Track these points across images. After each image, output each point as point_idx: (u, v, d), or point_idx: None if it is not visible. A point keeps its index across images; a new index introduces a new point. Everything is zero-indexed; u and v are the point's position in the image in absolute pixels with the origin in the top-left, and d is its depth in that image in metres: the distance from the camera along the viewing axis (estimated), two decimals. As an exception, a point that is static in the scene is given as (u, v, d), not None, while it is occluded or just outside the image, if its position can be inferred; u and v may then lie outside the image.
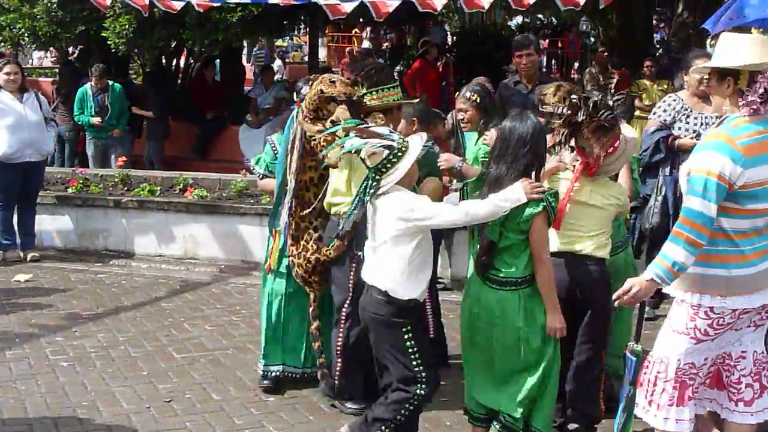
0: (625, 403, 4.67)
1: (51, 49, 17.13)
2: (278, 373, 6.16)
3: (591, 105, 4.94)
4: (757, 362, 4.69)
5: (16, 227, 9.78)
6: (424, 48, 15.98)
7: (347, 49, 24.35)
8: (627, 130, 5.39)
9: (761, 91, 4.35)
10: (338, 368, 5.75)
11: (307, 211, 5.77)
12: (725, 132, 4.42)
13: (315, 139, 5.58)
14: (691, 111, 7.19)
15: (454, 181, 6.65)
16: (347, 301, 5.62)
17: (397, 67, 17.88)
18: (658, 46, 18.35)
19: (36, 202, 9.92)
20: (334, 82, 5.59)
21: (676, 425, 4.59)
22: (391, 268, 4.69)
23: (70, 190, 10.44)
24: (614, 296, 4.59)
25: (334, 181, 5.68)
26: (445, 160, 6.05)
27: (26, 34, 14.61)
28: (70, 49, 17.01)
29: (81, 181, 10.58)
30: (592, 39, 24.41)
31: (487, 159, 6.04)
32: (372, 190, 4.70)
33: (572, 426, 5.28)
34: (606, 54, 16.36)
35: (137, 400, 6.08)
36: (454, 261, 8.49)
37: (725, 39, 4.59)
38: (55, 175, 11.07)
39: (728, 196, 4.34)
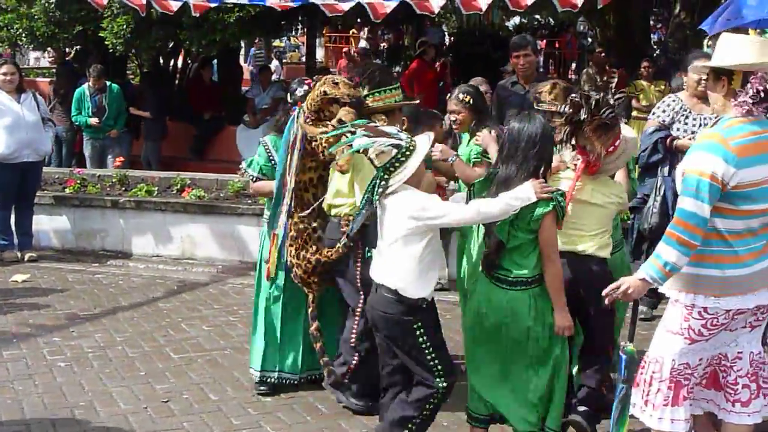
0: (618, 401, 4.70)
1: (48, 49, 17.06)
2: (274, 380, 6.16)
3: (593, 103, 4.96)
4: (754, 363, 4.69)
5: (13, 227, 9.78)
6: (421, 48, 15.96)
7: (344, 50, 24.34)
8: (626, 130, 5.41)
9: (752, 92, 4.36)
10: (353, 364, 5.74)
11: (306, 212, 5.76)
12: (718, 132, 4.43)
13: (316, 140, 5.58)
14: (690, 112, 7.20)
15: (452, 182, 6.66)
16: (361, 300, 5.62)
17: (395, 68, 17.88)
18: (655, 46, 18.34)
19: (33, 203, 9.92)
20: (337, 83, 5.58)
21: (672, 425, 4.60)
22: (401, 266, 4.70)
23: (67, 191, 10.44)
24: (604, 292, 4.60)
25: (336, 182, 5.68)
26: (440, 151, 6.05)
27: (24, 35, 14.61)
28: (68, 50, 16.99)
29: (78, 182, 10.58)
30: (590, 39, 24.38)
31: (479, 160, 6.06)
32: (381, 190, 4.70)
33: (576, 417, 5.29)
34: (603, 54, 16.34)
35: (134, 400, 6.08)
36: (451, 261, 8.49)
37: (723, 39, 4.60)
38: (52, 175, 11.07)
39: (722, 197, 4.34)
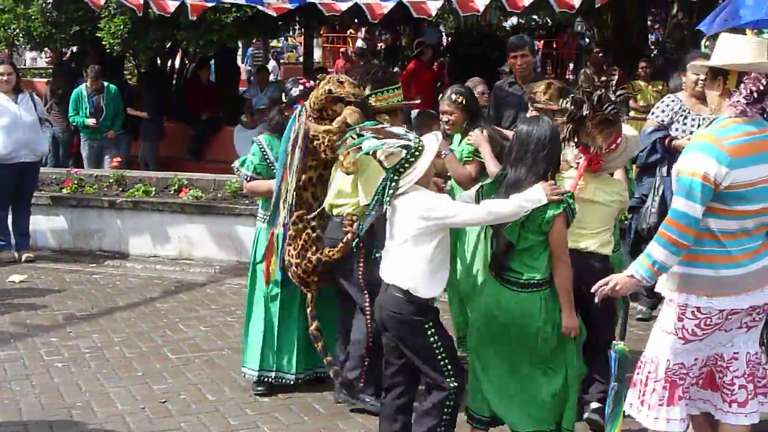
0: (610, 399, 4.73)
1: (45, 49, 17.05)
2: (272, 379, 6.15)
3: (595, 99, 4.98)
4: (751, 363, 4.69)
5: (10, 228, 9.78)
6: (419, 49, 15.96)
7: (341, 50, 24.34)
8: (627, 129, 5.43)
9: (746, 92, 4.36)
10: (365, 366, 5.74)
11: (311, 215, 5.75)
12: (712, 133, 4.44)
13: (318, 139, 5.57)
14: (689, 112, 7.20)
15: (448, 183, 6.65)
16: (367, 300, 5.63)
17: (392, 68, 17.83)
18: (652, 47, 18.34)
19: (31, 203, 9.92)
20: (342, 82, 5.57)
21: (667, 425, 4.60)
22: (412, 267, 4.69)
23: (64, 191, 10.43)
24: (593, 288, 4.62)
25: (338, 182, 5.67)
26: None
27: (21, 35, 14.59)
28: (65, 50, 16.98)
29: (76, 182, 10.57)
30: (587, 40, 24.40)
31: (470, 158, 6.06)
32: (391, 191, 4.70)
33: (593, 416, 5.35)
34: (601, 55, 16.34)
35: (132, 400, 6.07)
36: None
37: (721, 39, 4.61)
38: (49, 175, 11.06)
39: (715, 197, 4.35)
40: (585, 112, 4.98)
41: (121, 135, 13.24)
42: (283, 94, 6.18)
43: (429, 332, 4.74)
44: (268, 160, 6.10)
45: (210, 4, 10.26)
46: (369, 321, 5.66)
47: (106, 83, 12.99)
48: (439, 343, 4.75)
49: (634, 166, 7.16)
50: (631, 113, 13.05)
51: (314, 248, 5.73)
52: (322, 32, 25.51)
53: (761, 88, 4.35)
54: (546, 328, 4.74)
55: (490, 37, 18.87)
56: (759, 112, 4.50)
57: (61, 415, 5.83)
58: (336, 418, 5.81)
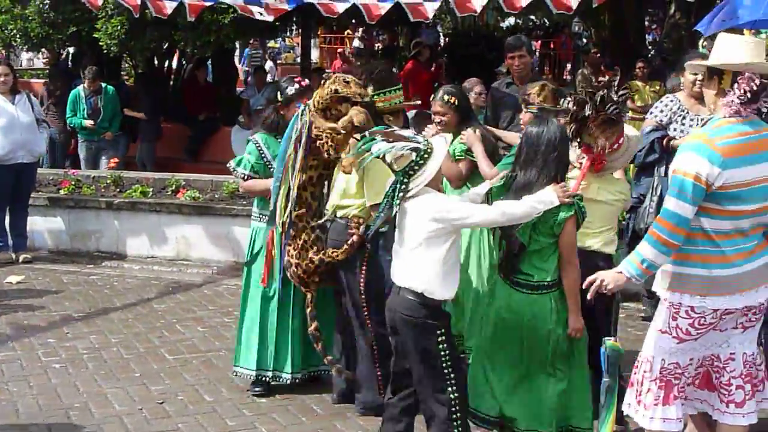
0: (603, 394, 4.72)
1: (42, 50, 17.04)
2: (269, 379, 6.14)
3: (597, 99, 4.99)
4: (748, 364, 4.68)
5: (7, 229, 9.77)
6: (416, 49, 15.95)
7: (339, 51, 24.34)
8: (629, 129, 5.44)
9: (740, 92, 4.36)
10: (378, 374, 5.70)
11: (317, 222, 5.75)
12: (705, 133, 4.45)
13: (321, 138, 5.55)
14: (687, 112, 7.20)
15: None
16: (364, 303, 5.63)
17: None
18: (650, 47, 18.35)
19: (28, 204, 9.92)
20: (348, 82, 5.56)
21: (663, 424, 4.60)
22: (425, 269, 4.68)
23: (62, 192, 10.43)
24: (584, 285, 4.63)
25: (342, 183, 5.66)
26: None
27: (18, 36, 14.57)
28: (62, 51, 16.96)
29: (73, 183, 10.57)
30: (585, 40, 24.40)
31: (462, 157, 6.06)
32: (401, 194, 4.69)
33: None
34: (598, 55, 16.36)
35: (129, 401, 6.07)
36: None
37: (719, 38, 4.62)
38: (47, 176, 11.07)
39: (708, 197, 4.35)
40: (588, 112, 4.99)
41: (118, 136, 13.23)
42: (279, 93, 6.15)
43: (440, 338, 4.71)
44: (265, 159, 6.09)
45: (208, 4, 10.25)
46: (369, 325, 5.66)
47: (104, 85, 12.99)
48: (447, 352, 4.73)
49: (631, 166, 7.16)
50: (629, 114, 13.05)
51: (315, 248, 5.71)
52: (319, 33, 25.52)
53: (754, 88, 4.35)
54: (557, 330, 4.80)
55: (487, 37, 18.84)
56: (754, 112, 4.50)
57: (59, 416, 5.83)
58: (334, 418, 5.81)
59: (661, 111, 7.33)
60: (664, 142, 7.16)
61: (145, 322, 7.77)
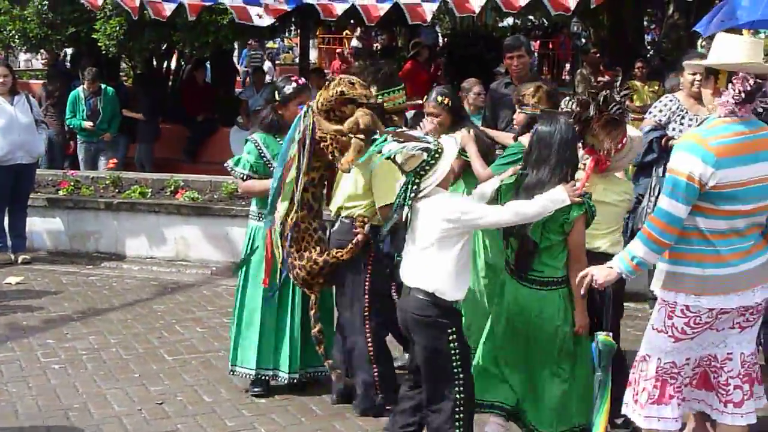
0: (596, 389, 4.74)
1: (41, 51, 17.03)
2: (269, 378, 6.14)
3: (600, 100, 5.00)
4: (746, 364, 4.67)
5: (6, 229, 9.77)
6: (415, 50, 15.96)
7: (337, 51, 24.33)
8: (631, 129, 5.45)
9: (735, 92, 4.36)
10: (376, 377, 5.73)
11: (318, 223, 5.75)
12: (699, 133, 4.45)
13: (326, 140, 5.53)
14: (686, 112, 7.20)
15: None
16: (367, 304, 5.64)
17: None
18: (649, 47, 18.35)
19: (27, 204, 9.93)
20: (353, 83, 5.54)
21: (659, 423, 4.61)
22: (436, 269, 4.68)
23: (61, 193, 10.43)
24: (576, 280, 4.65)
25: (347, 184, 5.66)
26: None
27: (17, 37, 14.56)
28: (60, 52, 16.96)
29: (72, 184, 10.58)
30: (583, 40, 24.40)
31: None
32: (412, 194, 4.70)
33: None
34: (597, 55, 16.34)
35: (129, 402, 6.07)
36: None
37: (718, 38, 4.63)
38: (46, 177, 11.06)
39: (702, 196, 4.35)
40: (591, 113, 4.99)
41: (117, 137, 13.22)
42: (276, 92, 6.13)
43: (451, 337, 4.72)
44: (264, 159, 6.08)
45: (208, 3, 10.25)
46: (368, 330, 5.67)
47: (103, 86, 12.98)
48: (457, 351, 4.74)
49: (630, 166, 7.16)
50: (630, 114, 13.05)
51: (317, 249, 5.67)
52: (318, 33, 25.49)
53: (749, 88, 4.34)
54: (564, 327, 4.84)
55: (486, 37, 18.84)
56: (749, 112, 4.50)
57: (58, 416, 5.83)
58: (333, 419, 5.81)
59: (660, 111, 7.33)
60: (663, 141, 7.16)
61: (144, 322, 7.77)
